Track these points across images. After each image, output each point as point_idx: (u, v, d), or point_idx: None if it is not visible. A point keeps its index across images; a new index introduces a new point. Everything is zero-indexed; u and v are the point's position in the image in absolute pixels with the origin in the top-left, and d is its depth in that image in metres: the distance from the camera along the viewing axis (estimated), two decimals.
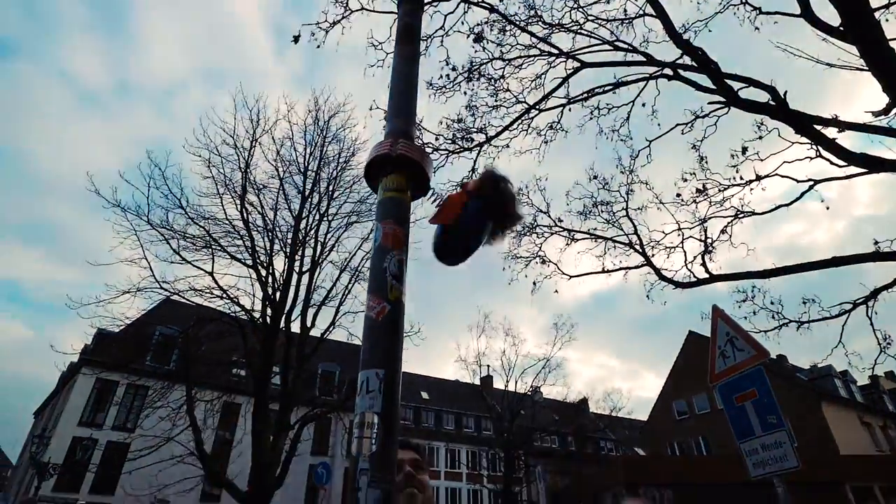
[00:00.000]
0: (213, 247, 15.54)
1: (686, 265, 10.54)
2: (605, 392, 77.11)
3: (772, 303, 9.46)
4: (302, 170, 17.48)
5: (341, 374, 32.65)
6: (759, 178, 9.26)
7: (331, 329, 16.18)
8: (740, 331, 4.85)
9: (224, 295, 15.23)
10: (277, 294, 15.88)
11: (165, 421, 15.14)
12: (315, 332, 16.66)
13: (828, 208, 9.99)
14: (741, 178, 9.47)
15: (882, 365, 8.71)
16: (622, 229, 11.30)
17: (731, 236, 10.08)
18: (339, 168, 17.54)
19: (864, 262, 7.76)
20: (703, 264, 10.25)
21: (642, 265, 11.05)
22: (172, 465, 14.55)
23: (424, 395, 43.35)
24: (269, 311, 15.71)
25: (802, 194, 8.83)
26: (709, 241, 10.65)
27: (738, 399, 4.65)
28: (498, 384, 36.66)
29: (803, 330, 8.95)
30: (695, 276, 10.17)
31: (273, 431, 14.82)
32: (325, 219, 16.91)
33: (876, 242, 8.36)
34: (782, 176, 9.08)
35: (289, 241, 16.35)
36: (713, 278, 9.81)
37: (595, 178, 11.82)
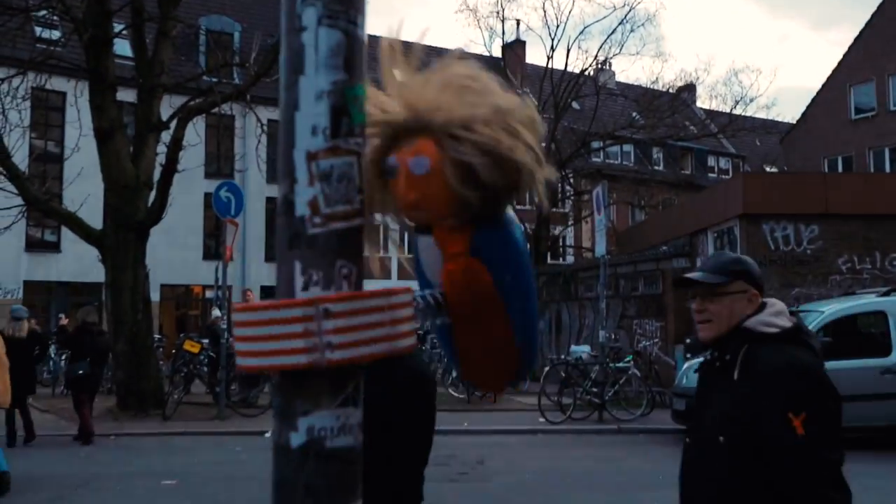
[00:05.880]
0: None
1: None
2: (729, 72, 51.33)
3: None
4: None
5: (245, 36, 21.46)
6: None
7: None
8: None
9: None
10: None
11: None
12: None
13: None
14: None
15: None
16: None
17: None
18: None
19: None
20: None
21: None
22: None
23: None
24: None
25: None
26: None
27: None
28: (535, 56, 27.44)
29: None
30: None
31: (133, 134, 9.20)
32: None
33: None
34: None
35: None
36: None
37: None
